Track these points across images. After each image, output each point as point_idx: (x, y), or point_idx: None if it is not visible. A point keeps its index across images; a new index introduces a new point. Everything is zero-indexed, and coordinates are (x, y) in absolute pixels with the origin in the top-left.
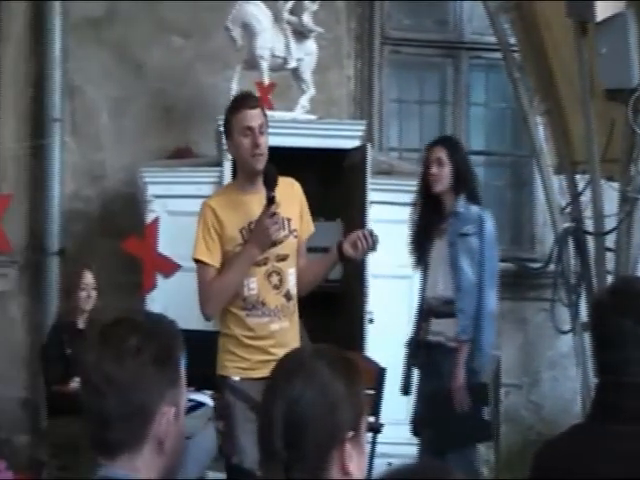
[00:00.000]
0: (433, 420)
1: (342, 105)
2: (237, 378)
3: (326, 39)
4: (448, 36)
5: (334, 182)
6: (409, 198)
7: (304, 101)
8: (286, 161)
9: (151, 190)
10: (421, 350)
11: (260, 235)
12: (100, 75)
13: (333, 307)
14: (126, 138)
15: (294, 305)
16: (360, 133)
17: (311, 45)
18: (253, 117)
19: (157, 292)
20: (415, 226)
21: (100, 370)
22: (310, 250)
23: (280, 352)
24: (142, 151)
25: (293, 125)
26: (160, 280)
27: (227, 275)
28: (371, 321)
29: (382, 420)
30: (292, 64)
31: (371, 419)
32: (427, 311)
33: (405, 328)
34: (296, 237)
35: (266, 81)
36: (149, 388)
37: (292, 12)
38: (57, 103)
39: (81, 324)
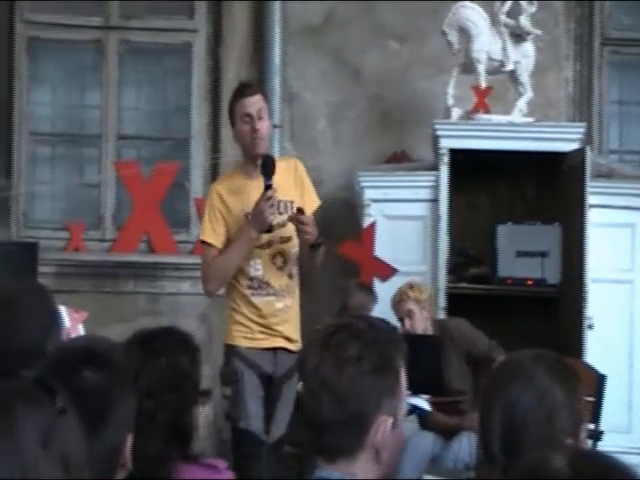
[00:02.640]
0: None
1: (560, 107)
2: (244, 346)
3: (544, 41)
4: None
5: (552, 185)
6: (629, 201)
7: (521, 104)
8: (504, 164)
9: (368, 194)
10: None
11: (257, 218)
12: (318, 81)
13: (551, 312)
14: (343, 143)
15: (296, 283)
16: (579, 136)
17: (529, 47)
18: (251, 104)
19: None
20: None
21: (319, 376)
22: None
23: (283, 328)
24: (359, 156)
25: (510, 128)
26: (377, 284)
27: (226, 255)
28: (590, 327)
29: (602, 428)
30: (509, 67)
31: (591, 426)
32: None
33: (626, 334)
34: None
35: (483, 85)
36: (366, 397)
37: (509, 14)
38: (276, 109)
39: None
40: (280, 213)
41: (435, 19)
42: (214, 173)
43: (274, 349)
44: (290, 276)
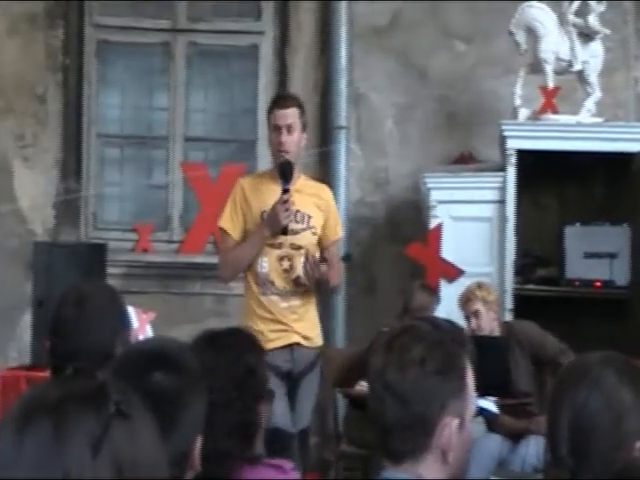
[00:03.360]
0: None
1: (629, 107)
2: None
3: (612, 40)
4: None
5: (621, 186)
6: None
7: (590, 104)
8: (572, 164)
9: (434, 196)
10: None
11: (272, 218)
12: (384, 82)
13: (620, 314)
14: (410, 144)
15: (305, 291)
16: None
17: (597, 47)
18: (282, 117)
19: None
20: None
21: (382, 378)
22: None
23: (296, 325)
24: (425, 157)
25: (578, 129)
26: (444, 285)
27: (240, 249)
28: None
29: None
30: (577, 67)
31: None
32: None
33: None
34: (314, 234)
35: (550, 85)
36: (431, 398)
37: (577, 14)
38: (343, 111)
39: None
40: (296, 222)
41: (502, 19)
42: None
43: (290, 346)
44: (296, 283)
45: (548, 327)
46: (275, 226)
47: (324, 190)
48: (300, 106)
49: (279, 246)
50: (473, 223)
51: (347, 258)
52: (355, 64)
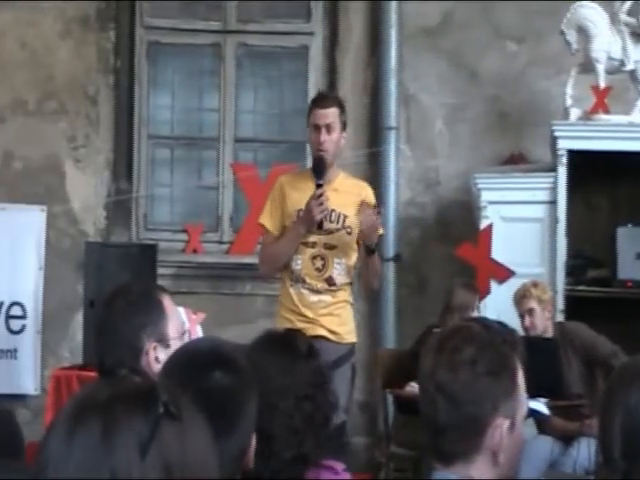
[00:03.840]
0: None
1: None
2: None
3: None
4: None
5: None
6: None
7: None
8: (624, 165)
9: (485, 196)
10: None
11: (306, 216)
12: (435, 83)
13: None
14: (460, 145)
15: (338, 289)
16: None
17: None
18: (321, 116)
19: (490, 298)
20: None
21: (433, 379)
22: None
23: (323, 320)
24: (476, 158)
25: (631, 129)
26: (494, 286)
27: (277, 245)
28: None
29: None
30: (629, 66)
31: None
32: None
33: None
34: (350, 234)
35: (602, 85)
36: (482, 400)
37: (629, 13)
38: (392, 112)
39: None
40: (331, 222)
41: (553, 19)
42: None
43: (315, 338)
44: (328, 282)
45: (600, 328)
46: (309, 222)
47: (364, 188)
48: (340, 105)
49: (313, 245)
50: (524, 224)
51: (397, 258)
52: (405, 65)
